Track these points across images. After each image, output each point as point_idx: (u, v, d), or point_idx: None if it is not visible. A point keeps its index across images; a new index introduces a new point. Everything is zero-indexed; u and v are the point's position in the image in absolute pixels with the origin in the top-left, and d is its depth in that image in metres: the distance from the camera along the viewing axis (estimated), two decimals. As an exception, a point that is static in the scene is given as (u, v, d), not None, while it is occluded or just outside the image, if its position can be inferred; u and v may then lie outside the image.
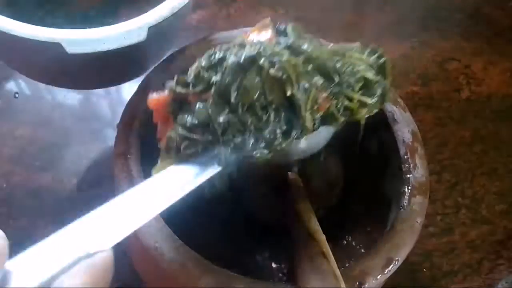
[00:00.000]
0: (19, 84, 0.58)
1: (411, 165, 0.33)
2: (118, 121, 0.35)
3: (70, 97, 0.57)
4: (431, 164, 0.49)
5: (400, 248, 0.29)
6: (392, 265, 0.29)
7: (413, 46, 0.58)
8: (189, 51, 0.37)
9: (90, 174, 0.48)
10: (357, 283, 0.28)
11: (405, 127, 0.34)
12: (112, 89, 0.53)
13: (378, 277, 0.28)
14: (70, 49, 0.30)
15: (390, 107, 0.35)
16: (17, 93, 0.55)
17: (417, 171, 0.32)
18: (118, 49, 0.31)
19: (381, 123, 0.36)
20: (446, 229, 0.45)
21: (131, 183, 0.31)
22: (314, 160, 0.38)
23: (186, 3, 0.35)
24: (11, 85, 0.57)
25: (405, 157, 0.33)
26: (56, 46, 0.30)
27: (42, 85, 0.58)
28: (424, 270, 0.42)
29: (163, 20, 0.33)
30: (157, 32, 0.33)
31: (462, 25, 0.60)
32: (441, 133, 0.51)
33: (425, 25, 0.60)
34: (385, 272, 0.29)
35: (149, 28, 0.32)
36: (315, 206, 0.38)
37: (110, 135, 0.50)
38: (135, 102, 0.35)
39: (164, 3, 0.34)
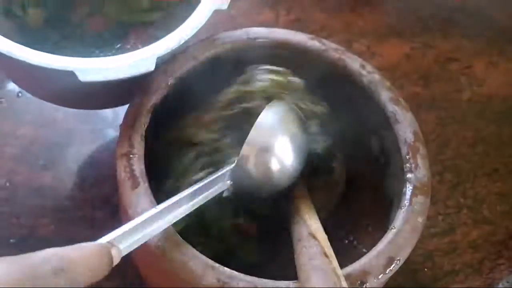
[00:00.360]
0: (21, 84, 0.58)
1: (413, 165, 0.33)
2: (119, 121, 0.35)
3: (72, 97, 0.57)
4: (433, 165, 0.49)
5: (402, 248, 0.29)
6: (393, 265, 0.29)
7: (414, 46, 0.58)
8: (190, 51, 0.38)
9: (91, 174, 0.48)
10: (359, 282, 0.28)
11: (406, 127, 0.34)
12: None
13: (380, 277, 0.28)
14: (83, 77, 0.31)
15: (391, 107, 0.35)
16: (20, 92, 0.55)
17: (419, 171, 0.32)
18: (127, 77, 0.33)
19: (382, 124, 0.36)
20: (447, 229, 0.45)
21: (134, 184, 0.31)
22: (314, 160, 0.38)
23: (194, 34, 0.36)
24: (14, 85, 0.57)
25: (407, 157, 0.33)
26: (69, 74, 0.31)
27: (44, 85, 0.59)
28: (426, 269, 0.43)
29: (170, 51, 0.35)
30: (163, 59, 0.35)
31: (463, 25, 0.60)
32: (442, 133, 0.51)
33: (426, 26, 0.60)
34: (387, 272, 0.29)
35: (157, 58, 0.34)
36: (316, 206, 0.38)
37: (112, 135, 0.50)
38: (138, 103, 0.35)
39: (172, 34, 0.36)
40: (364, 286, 0.28)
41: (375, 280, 0.28)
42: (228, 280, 0.27)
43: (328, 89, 0.38)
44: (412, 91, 0.55)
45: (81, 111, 0.55)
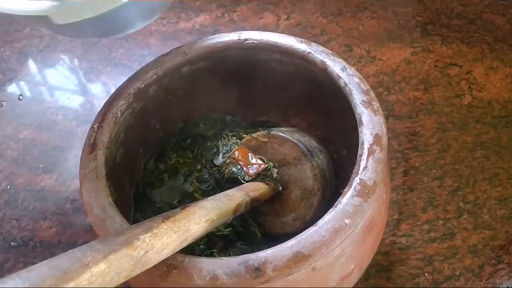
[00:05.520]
0: (23, 87, 0.58)
1: (361, 167, 0.31)
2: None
3: (73, 99, 0.57)
4: (433, 170, 0.49)
5: (315, 246, 0.28)
6: (301, 261, 0.27)
7: (414, 51, 0.59)
8: (182, 48, 0.40)
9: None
10: (254, 268, 0.27)
11: (368, 130, 0.33)
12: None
13: (281, 267, 0.27)
14: (57, 20, 0.32)
15: (360, 109, 0.34)
16: (21, 95, 0.55)
17: (365, 173, 0.31)
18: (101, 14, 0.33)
19: (352, 127, 0.35)
20: (447, 234, 0.45)
21: (91, 150, 0.34)
22: (291, 168, 0.38)
23: None
24: (15, 87, 0.57)
25: (359, 158, 0.32)
26: (44, 18, 0.32)
27: (45, 88, 0.59)
28: (426, 274, 0.43)
29: None
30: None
31: (463, 30, 0.60)
32: (443, 138, 0.51)
33: (426, 31, 0.61)
34: (289, 265, 0.27)
35: None
36: (292, 215, 0.38)
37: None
38: (122, 86, 0.38)
39: None
40: (259, 273, 0.27)
41: (273, 272, 0.27)
42: None
43: (312, 89, 0.39)
44: (412, 95, 0.55)
45: (82, 112, 0.55)
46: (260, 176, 0.39)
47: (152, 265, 0.25)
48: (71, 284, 0.20)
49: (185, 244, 0.27)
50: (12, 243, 0.44)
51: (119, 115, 0.36)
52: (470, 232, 0.45)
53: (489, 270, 0.43)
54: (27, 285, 0.19)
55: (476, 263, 0.43)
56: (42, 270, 0.20)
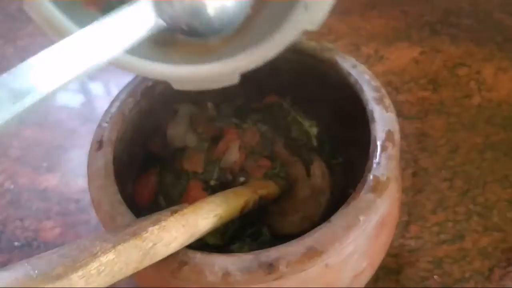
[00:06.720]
0: (26, 85, 0.58)
1: (374, 163, 0.31)
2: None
3: (76, 99, 0.57)
4: (443, 171, 0.49)
5: (328, 241, 0.27)
6: (314, 256, 0.27)
7: (423, 51, 0.58)
8: None
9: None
10: (268, 264, 0.27)
11: (380, 126, 0.32)
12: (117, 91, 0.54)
13: (294, 263, 0.27)
14: (176, 86, 0.33)
15: (371, 106, 0.34)
16: (24, 93, 0.55)
17: (378, 169, 0.30)
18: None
19: (363, 124, 0.34)
20: (457, 236, 0.44)
21: (99, 146, 0.34)
22: (299, 165, 0.38)
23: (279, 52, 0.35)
24: (18, 86, 0.57)
25: (372, 154, 0.31)
26: (163, 81, 0.34)
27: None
28: (435, 277, 0.42)
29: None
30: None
31: (473, 30, 0.60)
32: (452, 139, 0.51)
33: (435, 31, 0.60)
34: (303, 261, 0.27)
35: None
36: (300, 214, 0.38)
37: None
38: (133, 84, 0.38)
39: (256, 50, 0.34)
40: (272, 269, 0.26)
41: (286, 267, 0.27)
42: None
43: (321, 87, 0.39)
44: (421, 95, 0.54)
45: (85, 112, 0.55)
46: (268, 175, 0.38)
47: (160, 258, 0.25)
48: (80, 272, 0.21)
49: (192, 239, 0.27)
50: (15, 243, 0.43)
51: (126, 113, 0.36)
52: (480, 235, 0.44)
53: (499, 273, 0.42)
54: (36, 272, 0.19)
55: (486, 266, 0.43)
56: (51, 258, 0.21)
